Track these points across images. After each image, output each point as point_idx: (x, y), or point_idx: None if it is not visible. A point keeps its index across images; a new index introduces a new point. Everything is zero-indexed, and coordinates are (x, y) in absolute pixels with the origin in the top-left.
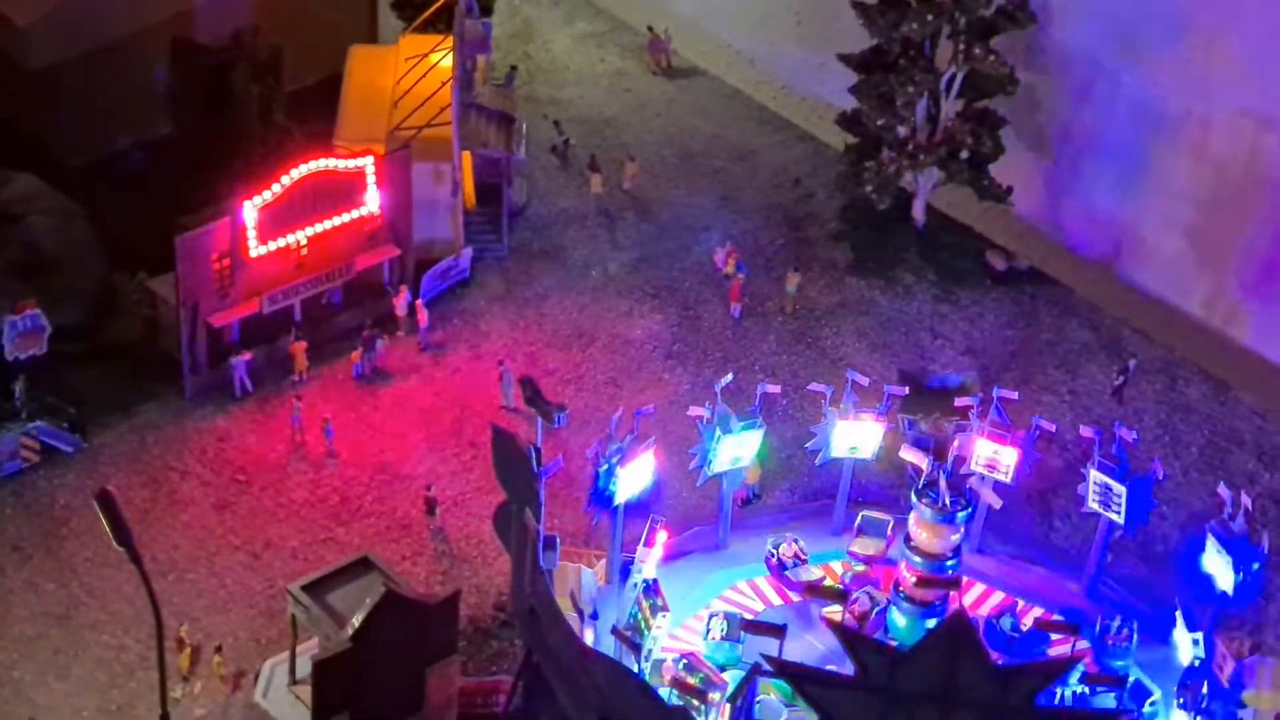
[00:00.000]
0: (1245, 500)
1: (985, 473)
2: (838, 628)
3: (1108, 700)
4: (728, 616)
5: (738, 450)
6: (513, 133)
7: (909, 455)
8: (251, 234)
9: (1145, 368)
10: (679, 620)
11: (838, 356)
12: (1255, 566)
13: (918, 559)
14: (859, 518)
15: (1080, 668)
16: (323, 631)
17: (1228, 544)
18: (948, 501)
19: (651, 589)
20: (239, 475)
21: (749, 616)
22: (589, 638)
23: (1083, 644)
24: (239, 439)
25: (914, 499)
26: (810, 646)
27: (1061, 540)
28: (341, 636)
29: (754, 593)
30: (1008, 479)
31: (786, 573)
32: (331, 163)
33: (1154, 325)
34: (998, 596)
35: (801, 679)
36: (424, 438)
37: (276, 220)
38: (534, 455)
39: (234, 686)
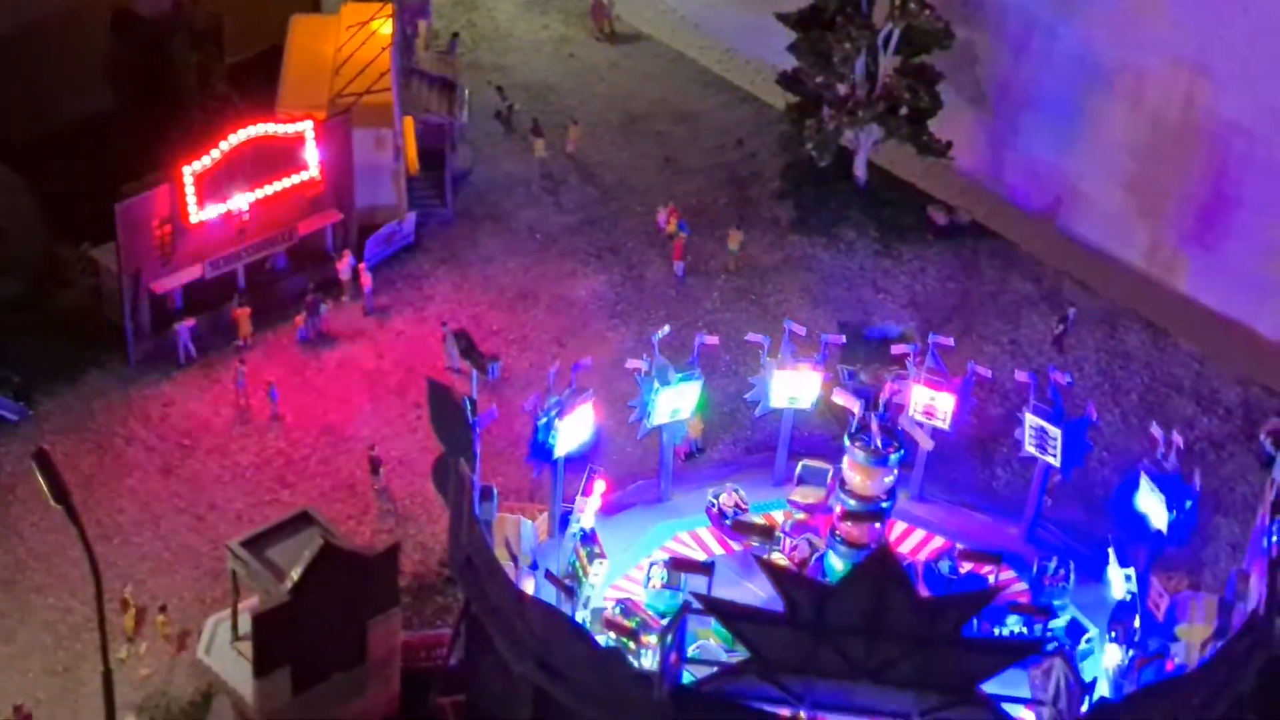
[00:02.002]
0: (1177, 439)
1: (924, 419)
2: (765, 564)
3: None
4: (667, 564)
5: (677, 402)
6: (455, 98)
7: (840, 399)
8: (191, 199)
9: (1086, 317)
10: (621, 571)
11: (781, 313)
12: (1188, 504)
13: (852, 501)
14: (799, 467)
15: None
16: (263, 586)
17: (1161, 482)
18: (880, 444)
19: (589, 538)
20: (184, 440)
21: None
22: (529, 587)
23: (1008, 574)
24: (183, 404)
25: (847, 442)
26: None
27: (1002, 487)
28: (281, 590)
29: (696, 543)
30: (946, 425)
31: (727, 522)
32: (270, 127)
33: (1094, 276)
34: (938, 541)
35: (731, 616)
36: (369, 400)
37: (217, 186)
38: (469, 407)
39: (179, 646)
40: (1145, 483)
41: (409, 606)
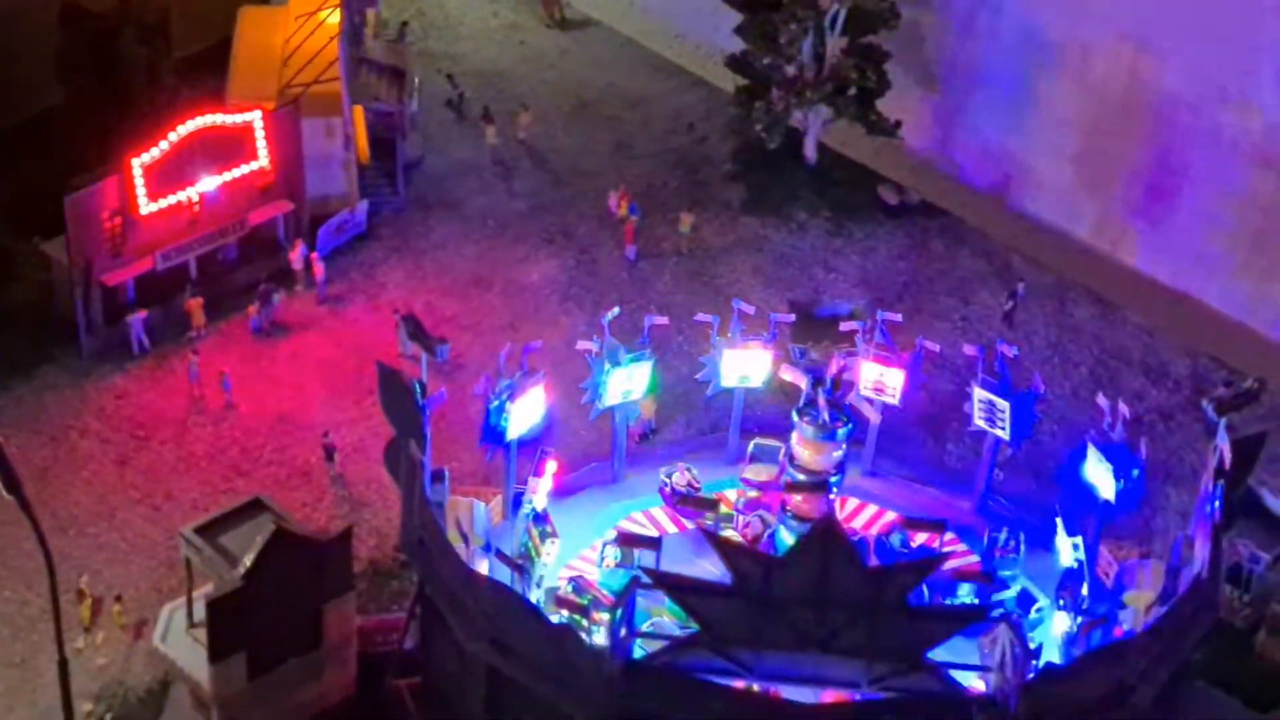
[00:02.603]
0: (1123, 409)
1: (874, 395)
2: (711, 536)
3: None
4: (616, 540)
5: (628, 383)
6: (404, 86)
7: (788, 375)
8: (141, 191)
9: (1035, 291)
10: (575, 551)
11: (733, 293)
12: (1135, 473)
13: (801, 476)
14: (751, 445)
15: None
16: (216, 572)
17: (1108, 452)
18: (827, 418)
19: (541, 518)
20: (138, 431)
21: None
22: (482, 568)
23: (955, 544)
24: (137, 395)
25: (795, 418)
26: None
27: (954, 461)
28: (234, 576)
29: (649, 522)
30: (895, 401)
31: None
32: (219, 118)
33: (1044, 251)
34: (889, 516)
35: (679, 590)
36: (323, 388)
37: (166, 177)
38: (418, 389)
39: (135, 635)
40: (1092, 453)
41: (365, 591)
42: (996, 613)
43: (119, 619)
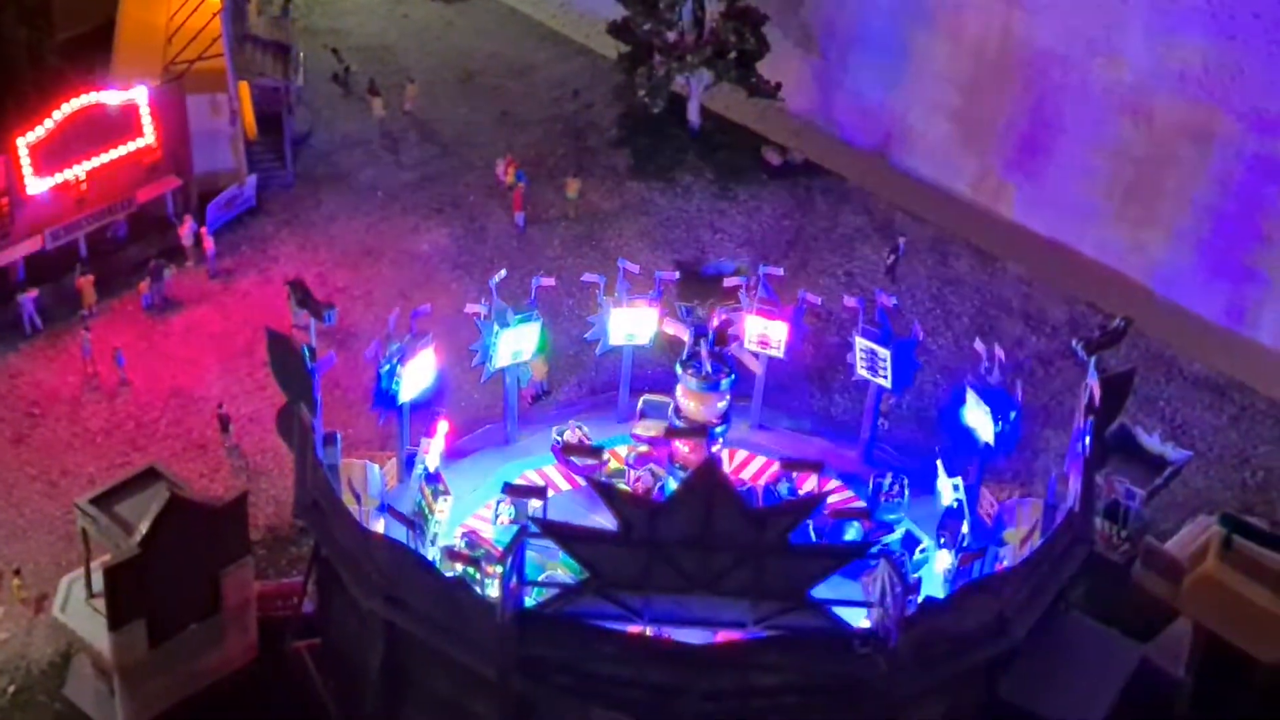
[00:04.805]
0: (999, 353)
1: (759, 349)
2: (595, 484)
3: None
4: (503, 492)
5: (517, 344)
6: (289, 62)
7: (671, 328)
8: (28, 171)
9: (917, 246)
10: (470, 511)
11: (621, 257)
12: (1012, 415)
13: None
14: (641, 402)
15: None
16: (113, 541)
17: (986, 396)
18: (710, 369)
19: (433, 478)
20: (33, 409)
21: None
22: (378, 529)
23: (832, 483)
24: (31, 374)
25: (679, 370)
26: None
27: (841, 413)
28: (130, 543)
29: (543, 480)
30: (780, 354)
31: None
32: (103, 96)
33: (925, 207)
34: (778, 467)
35: (567, 538)
36: (217, 361)
37: (53, 156)
38: (307, 353)
39: (36, 609)
40: (971, 397)
41: (264, 558)
42: (875, 548)
43: (19, 594)
